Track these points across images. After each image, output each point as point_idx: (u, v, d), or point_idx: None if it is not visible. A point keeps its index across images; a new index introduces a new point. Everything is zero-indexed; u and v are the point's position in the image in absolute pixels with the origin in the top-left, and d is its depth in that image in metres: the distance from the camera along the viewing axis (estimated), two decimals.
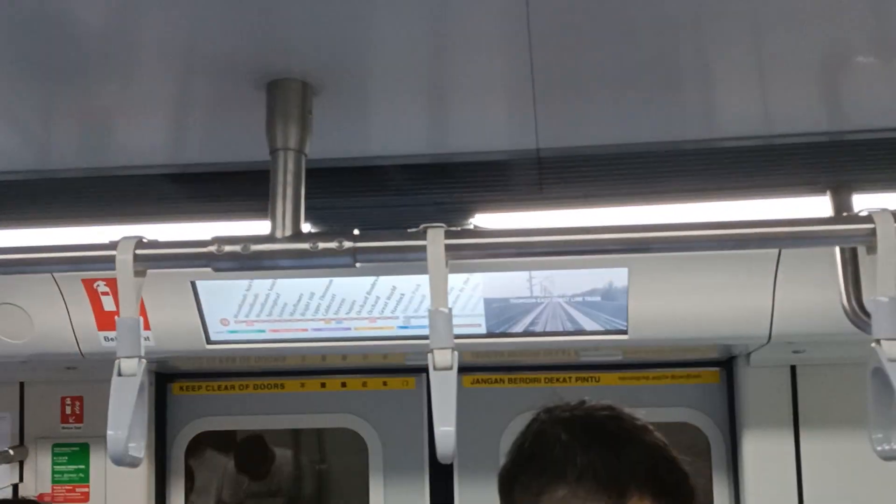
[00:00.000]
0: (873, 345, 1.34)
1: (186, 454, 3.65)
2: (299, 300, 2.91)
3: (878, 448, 1.40)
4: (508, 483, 1.45)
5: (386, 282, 2.85)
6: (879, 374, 1.34)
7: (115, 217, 2.21)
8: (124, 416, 1.38)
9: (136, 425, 1.41)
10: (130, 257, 1.45)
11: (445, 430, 1.36)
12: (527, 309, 2.89)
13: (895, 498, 3.10)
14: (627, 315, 2.79)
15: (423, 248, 1.44)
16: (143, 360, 1.44)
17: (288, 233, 1.48)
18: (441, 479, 3.50)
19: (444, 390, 1.39)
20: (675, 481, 1.40)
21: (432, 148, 1.89)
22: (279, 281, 2.87)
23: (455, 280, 2.80)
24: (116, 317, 1.48)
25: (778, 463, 3.17)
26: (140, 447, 1.43)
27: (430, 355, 1.42)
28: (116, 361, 1.42)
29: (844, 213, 1.76)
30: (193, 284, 2.82)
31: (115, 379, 1.41)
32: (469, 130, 1.79)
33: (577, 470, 1.36)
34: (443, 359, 1.41)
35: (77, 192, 2.12)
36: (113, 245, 1.48)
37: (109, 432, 1.36)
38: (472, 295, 2.87)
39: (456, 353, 1.44)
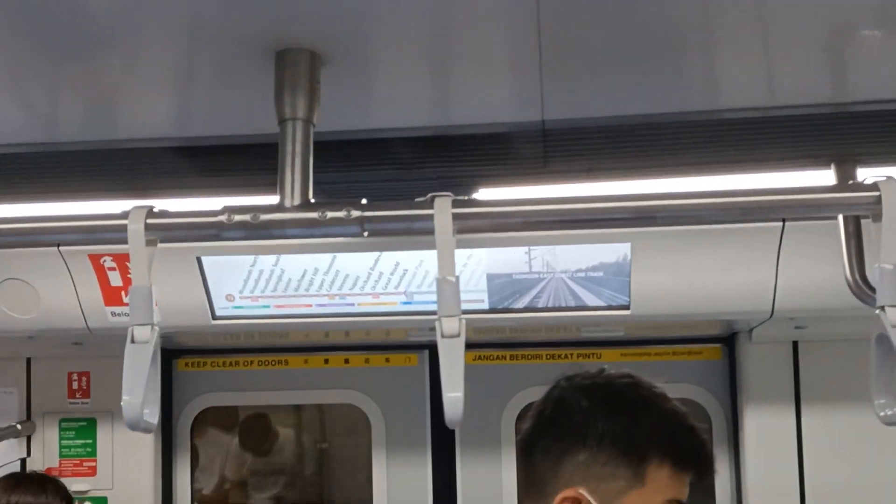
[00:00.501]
0: (877, 311, 1.36)
1: (192, 430, 3.67)
2: (303, 276, 2.92)
3: (881, 413, 1.42)
4: (529, 448, 1.46)
5: (389, 257, 2.86)
6: (883, 340, 1.36)
7: (123, 191, 2.22)
8: (139, 382, 1.40)
9: (149, 392, 1.43)
10: (142, 227, 1.47)
11: (454, 396, 1.39)
12: (529, 285, 2.91)
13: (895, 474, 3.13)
14: (630, 290, 2.80)
15: (431, 217, 1.46)
16: (156, 328, 1.45)
17: (297, 202, 1.49)
18: (443, 454, 3.53)
19: (452, 357, 1.41)
20: (694, 448, 1.42)
21: (438, 120, 1.90)
22: (284, 257, 2.88)
23: (458, 256, 2.81)
24: (129, 287, 1.51)
25: (779, 439, 3.19)
26: (154, 413, 1.45)
27: (437, 323, 1.44)
28: (130, 329, 1.44)
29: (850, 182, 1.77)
30: (199, 260, 2.83)
31: (128, 346, 1.43)
32: (475, 102, 1.80)
33: (597, 435, 1.39)
34: (450, 326, 1.43)
35: (84, 166, 2.13)
36: (124, 215, 1.49)
37: (125, 398, 1.38)
38: (474, 270, 2.88)
39: (463, 320, 1.46)
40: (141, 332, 1.43)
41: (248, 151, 1.93)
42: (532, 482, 1.44)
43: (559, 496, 1.37)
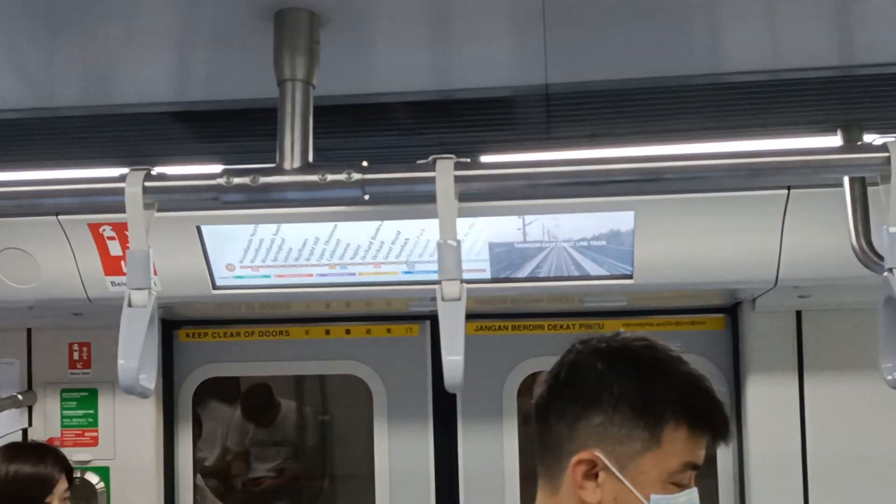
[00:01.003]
0: (886, 273, 1.35)
1: (193, 401, 3.68)
2: (304, 245, 2.91)
3: (889, 377, 1.40)
4: (545, 411, 1.44)
5: (390, 226, 2.84)
6: (891, 303, 1.34)
7: (120, 157, 2.20)
8: (135, 346, 1.39)
9: (146, 356, 1.42)
10: (139, 190, 1.45)
11: (454, 360, 1.38)
12: (531, 254, 2.89)
13: None
14: (633, 259, 2.78)
15: (433, 180, 1.44)
16: (154, 293, 1.44)
17: (297, 164, 1.47)
18: (445, 424, 3.53)
19: (453, 321, 1.40)
20: (711, 410, 1.41)
21: (439, 84, 1.87)
22: (284, 226, 2.86)
23: (459, 225, 2.79)
24: (126, 250, 1.49)
25: (782, 408, 3.19)
26: (151, 378, 1.44)
27: (438, 287, 1.43)
28: (127, 293, 1.43)
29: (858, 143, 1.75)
30: (199, 229, 2.81)
31: (125, 310, 1.42)
32: (478, 65, 1.77)
33: (613, 397, 1.37)
34: (451, 290, 1.42)
35: (80, 132, 2.10)
36: (122, 178, 1.47)
37: (120, 362, 1.37)
38: (476, 240, 2.87)
39: (464, 284, 1.44)
40: (138, 297, 1.41)
41: (248, 116, 1.91)
42: (547, 446, 1.43)
43: (574, 458, 1.37)
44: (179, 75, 1.82)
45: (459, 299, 1.41)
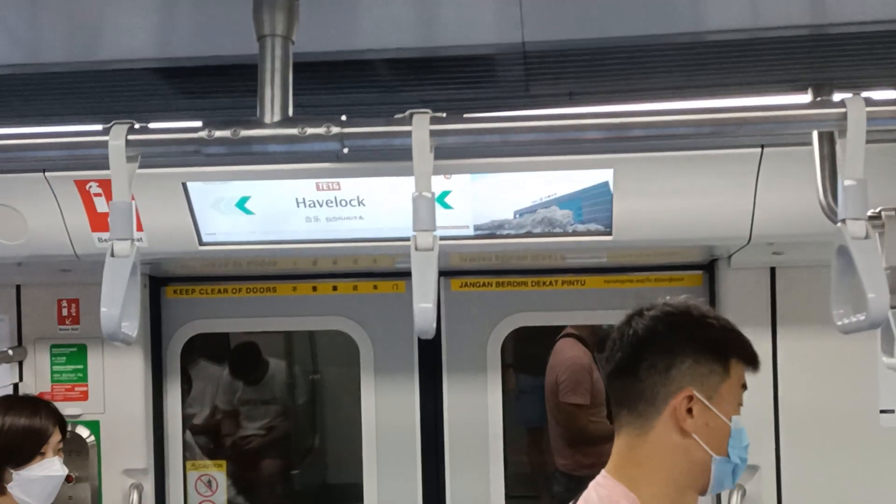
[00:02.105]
0: (839, 224, 1.40)
1: (183, 360, 3.73)
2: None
3: (839, 323, 1.47)
4: (630, 369, 1.73)
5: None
6: (844, 252, 1.40)
7: (104, 114, 2.21)
8: (117, 294, 1.43)
9: (129, 305, 1.46)
10: (122, 142, 1.48)
11: (424, 307, 1.44)
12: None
13: (867, 398, 3.21)
14: (612, 217, 2.83)
15: (409, 134, 1.48)
16: (136, 243, 1.48)
17: (276, 118, 1.51)
18: (430, 378, 3.60)
19: (425, 270, 1.46)
20: (749, 344, 1.78)
21: (418, 41, 1.90)
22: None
23: (447, 183, 2.83)
24: (109, 202, 1.53)
25: None
26: (133, 326, 1.49)
27: (412, 237, 1.47)
28: (110, 243, 1.47)
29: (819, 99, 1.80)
30: (185, 186, 2.85)
31: (108, 260, 1.46)
32: (456, 22, 1.80)
33: (696, 344, 1.71)
34: (424, 240, 1.47)
35: (64, 88, 2.12)
36: (105, 131, 1.51)
37: (103, 309, 1.41)
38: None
39: (437, 235, 1.49)
40: (121, 247, 1.46)
41: (230, 72, 1.93)
42: (638, 396, 1.72)
43: (680, 396, 1.68)
44: (162, 31, 1.85)
45: (432, 249, 1.46)
